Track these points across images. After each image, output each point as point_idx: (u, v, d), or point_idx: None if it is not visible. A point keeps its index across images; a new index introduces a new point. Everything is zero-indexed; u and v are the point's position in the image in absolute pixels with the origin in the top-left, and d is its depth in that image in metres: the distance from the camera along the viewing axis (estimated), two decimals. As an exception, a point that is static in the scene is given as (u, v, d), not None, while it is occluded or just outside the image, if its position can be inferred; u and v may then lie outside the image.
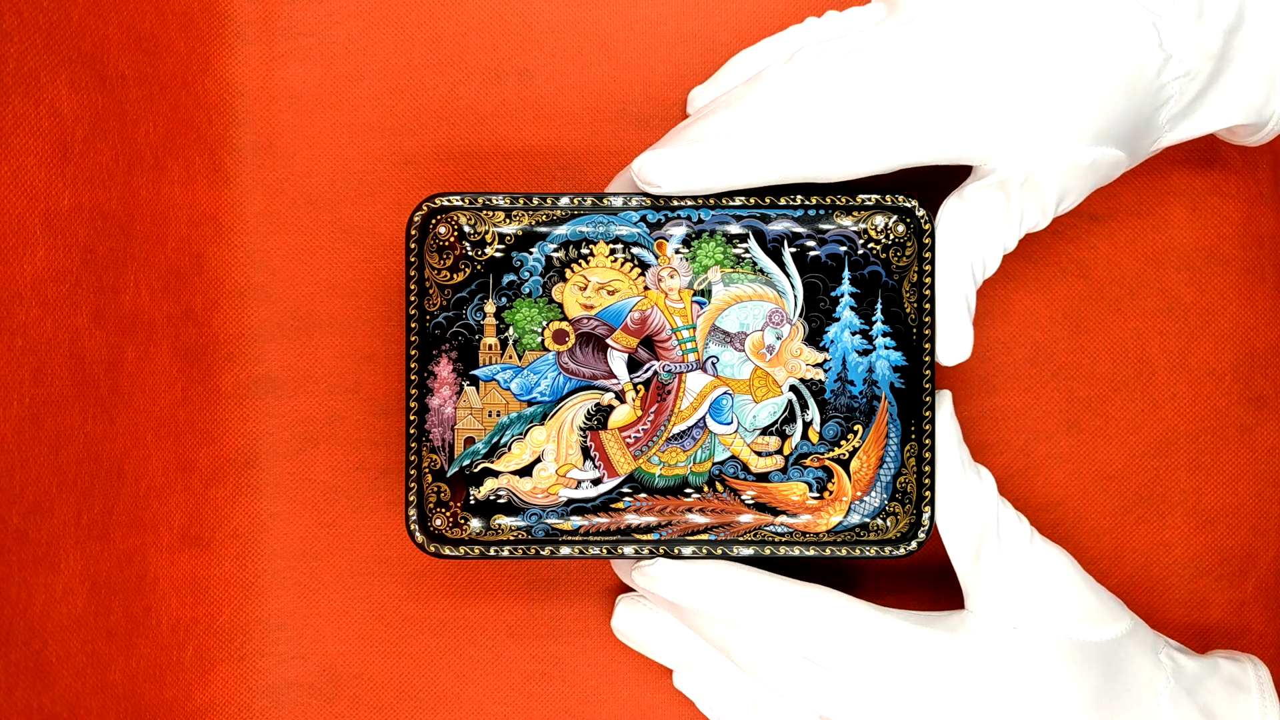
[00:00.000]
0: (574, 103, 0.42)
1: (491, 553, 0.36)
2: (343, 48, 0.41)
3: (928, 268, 0.36)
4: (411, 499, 0.36)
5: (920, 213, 0.35)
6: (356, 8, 0.41)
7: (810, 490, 0.37)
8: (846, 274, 0.37)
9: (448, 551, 0.36)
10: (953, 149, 0.34)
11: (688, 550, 0.36)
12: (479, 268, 0.37)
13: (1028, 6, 0.34)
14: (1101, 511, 0.42)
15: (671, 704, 0.42)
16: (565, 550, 0.36)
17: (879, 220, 0.36)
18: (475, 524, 0.37)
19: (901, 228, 0.36)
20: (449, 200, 0.36)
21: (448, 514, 0.37)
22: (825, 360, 0.37)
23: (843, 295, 0.37)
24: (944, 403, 0.36)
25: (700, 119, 0.36)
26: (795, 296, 0.37)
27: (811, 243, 0.37)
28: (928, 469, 0.36)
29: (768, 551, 0.36)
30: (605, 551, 0.36)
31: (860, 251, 0.36)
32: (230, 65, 0.41)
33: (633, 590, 0.39)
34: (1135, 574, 0.42)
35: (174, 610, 0.40)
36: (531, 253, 0.37)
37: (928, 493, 0.36)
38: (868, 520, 0.37)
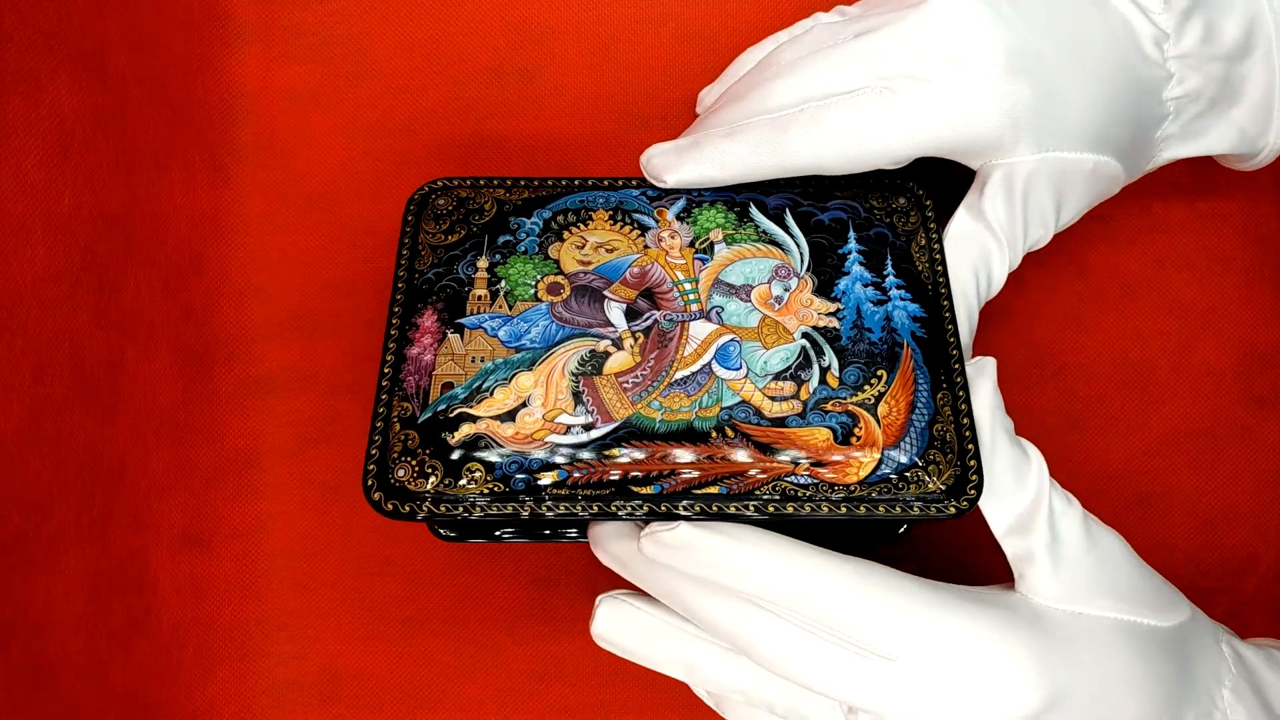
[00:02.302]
0: (574, 102, 0.42)
1: (460, 512, 0.31)
2: (343, 48, 0.41)
3: (935, 236, 0.35)
4: (374, 450, 0.32)
5: (920, 191, 0.35)
6: (356, 8, 0.41)
7: (835, 436, 0.31)
8: (852, 234, 0.35)
9: (408, 510, 0.31)
10: (956, 140, 0.34)
11: (694, 508, 0.31)
12: (474, 229, 0.35)
13: (1032, 8, 0.34)
14: (1102, 511, 0.42)
15: (672, 704, 0.42)
16: (549, 508, 0.31)
17: (878, 197, 0.36)
18: (443, 475, 0.31)
19: (903, 199, 0.36)
20: (452, 182, 0.36)
21: (413, 463, 0.31)
22: (838, 310, 0.34)
23: (850, 252, 0.35)
24: (987, 369, 0.33)
25: (708, 114, 0.36)
26: (801, 253, 0.35)
27: (814, 209, 0.36)
28: (966, 421, 0.32)
29: (790, 509, 0.30)
30: (597, 509, 0.31)
31: (864, 216, 0.36)
32: (230, 65, 0.41)
33: (610, 591, 0.35)
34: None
35: (174, 610, 0.40)
36: (530, 217, 0.36)
37: (970, 445, 0.31)
38: (906, 469, 0.31)
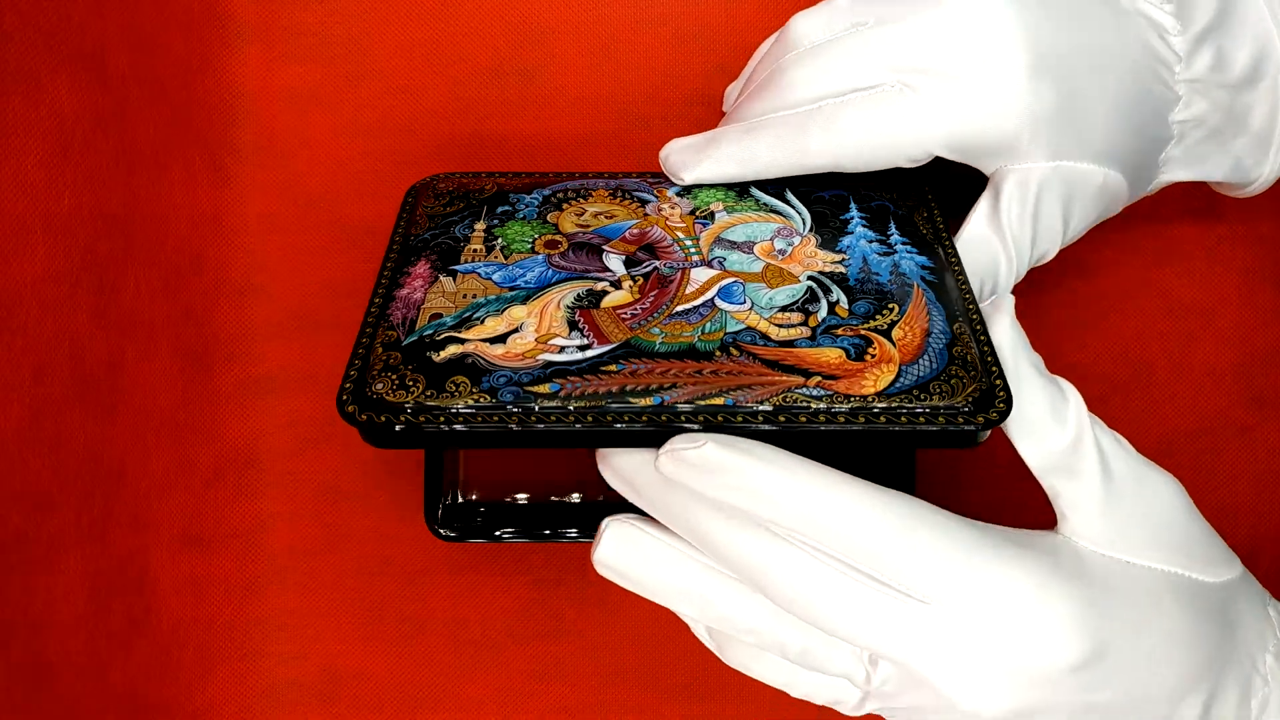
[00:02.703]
0: (574, 102, 0.42)
1: (443, 426, 0.28)
2: (343, 48, 0.41)
3: (938, 213, 0.35)
4: (353, 372, 0.30)
5: (930, 196, 0.35)
6: (356, 8, 0.41)
7: (847, 355, 0.29)
8: (854, 205, 0.35)
9: (384, 421, 0.28)
10: (974, 141, 0.33)
11: (698, 419, 0.28)
12: (474, 202, 0.35)
13: (1057, 13, 0.33)
14: (1101, 511, 0.42)
15: (672, 704, 0.42)
16: (539, 420, 0.28)
17: (877, 188, 0.36)
18: (425, 387, 0.29)
19: (901, 188, 0.36)
20: (453, 175, 0.37)
21: (393, 377, 0.29)
22: (844, 260, 0.32)
23: (853, 217, 0.35)
24: (1004, 305, 0.31)
25: (733, 110, 0.36)
26: (803, 219, 0.34)
27: (813, 188, 0.36)
28: (988, 348, 0.30)
29: (801, 420, 0.28)
30: (592, 420, 0.28)
31: (864, 191, 0.36)
32: (230, 65, 0.41)
33: (618, 513, 0.32)
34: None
35: (174, 610, 0.40)
36: (530, 193, 0.36)
37: (995, 368, 0.29)
38: (926, 382, 0.29)
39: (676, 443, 0.28)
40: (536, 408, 0.28)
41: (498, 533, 0.38)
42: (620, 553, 0.30)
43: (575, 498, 0.41)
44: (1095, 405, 0.42)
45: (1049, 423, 0.30)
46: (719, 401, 0.28)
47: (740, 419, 0.28)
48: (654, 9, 0.42)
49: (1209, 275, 0.42)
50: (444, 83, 0.42)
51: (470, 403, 0.28)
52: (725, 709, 0.42)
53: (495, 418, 0.28)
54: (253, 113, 0.41)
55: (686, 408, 0.28)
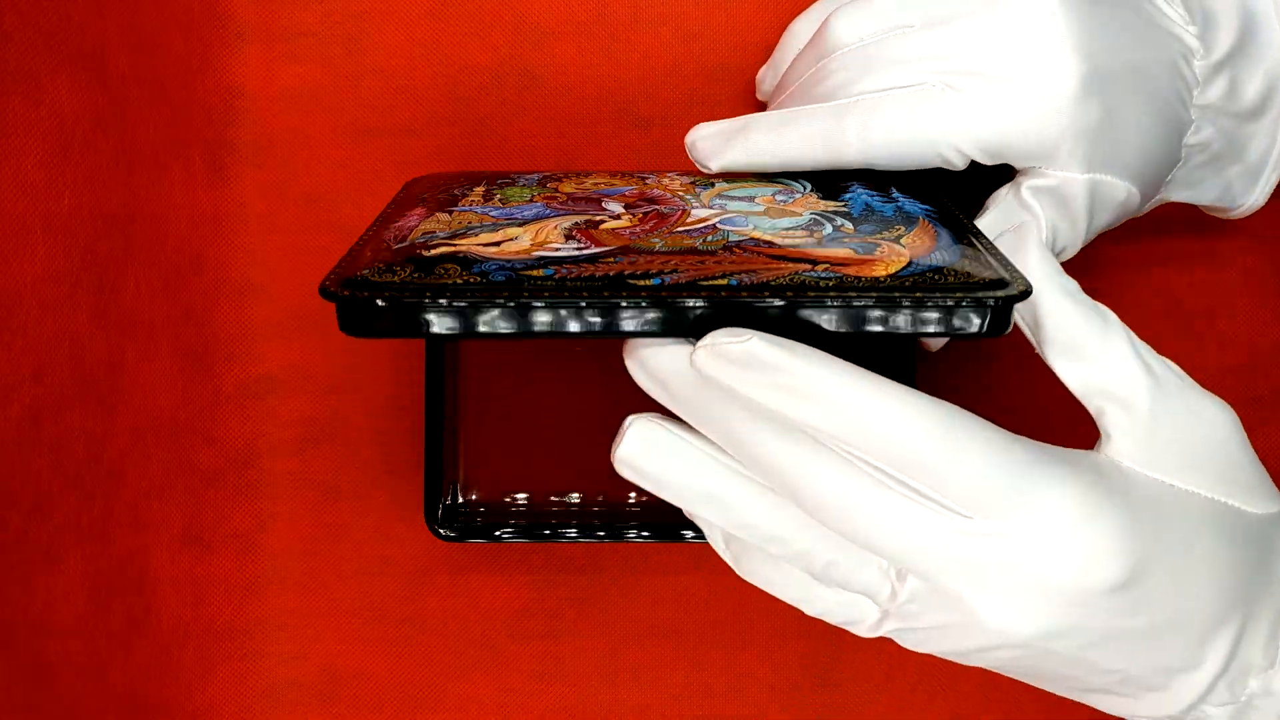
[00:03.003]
0: (574, 102, 0.42)
1: (428, 300, 0.26)
2: (343, 48, 0.41)
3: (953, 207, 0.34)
4: (339, 265, 0.29)
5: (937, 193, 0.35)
6: (356, 8, 0.41)
7: (856, 253, 0.28)
8: (854, 180, 0.34)
9: (366, 296, 0.27)
10: (1012, 147, 0.33)
11: (699, 295, 0.26)
12: (474, 179, 0.36)
13: (1106, 28, 0.33)
14: (1102, 511, 0.42)
15: (672, 704, 0.42)
16: (533, 298, 0.26)
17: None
18: (413, 271, 0.27)
19: (920, 193, 0.36)
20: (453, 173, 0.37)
21: (380, 265, 0.28)
22: (846, 205, 0.32)
23: (852, 185, 0.34)
24: (1029, 233, 0.30)
25: (771, 103, 0.35)
26: (803, 185, 0.34)
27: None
28: (1003, 260, 0.29)
29: (810, 297, 0.26)
30: (587, 301, 0.26)
31: (865, 174, 0.35)
32: (230, 65, 0.41)
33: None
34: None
35: (174, 610, 0.40)
36: (530, 174, 0.36)
37: (1005, 270, 0.28)
38: (940, 268, 0.27)
39: (718, 335, 0.26)
40: (528, 289, 0.26)
41: (497, 533, 0.38)
42: (643, 451, 0.28)
43: (574, 497, 0.41)
44: (1095, 405, 0.42)
45: (1091, 341, 0.29)
46: (724, 281, 0.26)
47: (746, 294, 0.26)
48: (654, 9, 0.42)
49: (1209, 275, 0.42)
50: (444, 83, 0.42)
51: (460, 281, 0.26)
52: (725, 709, 0.42)
53: (485, 294, 0.26)
54: (252, 113, 0.41)
55: (687, 291, 0.26)
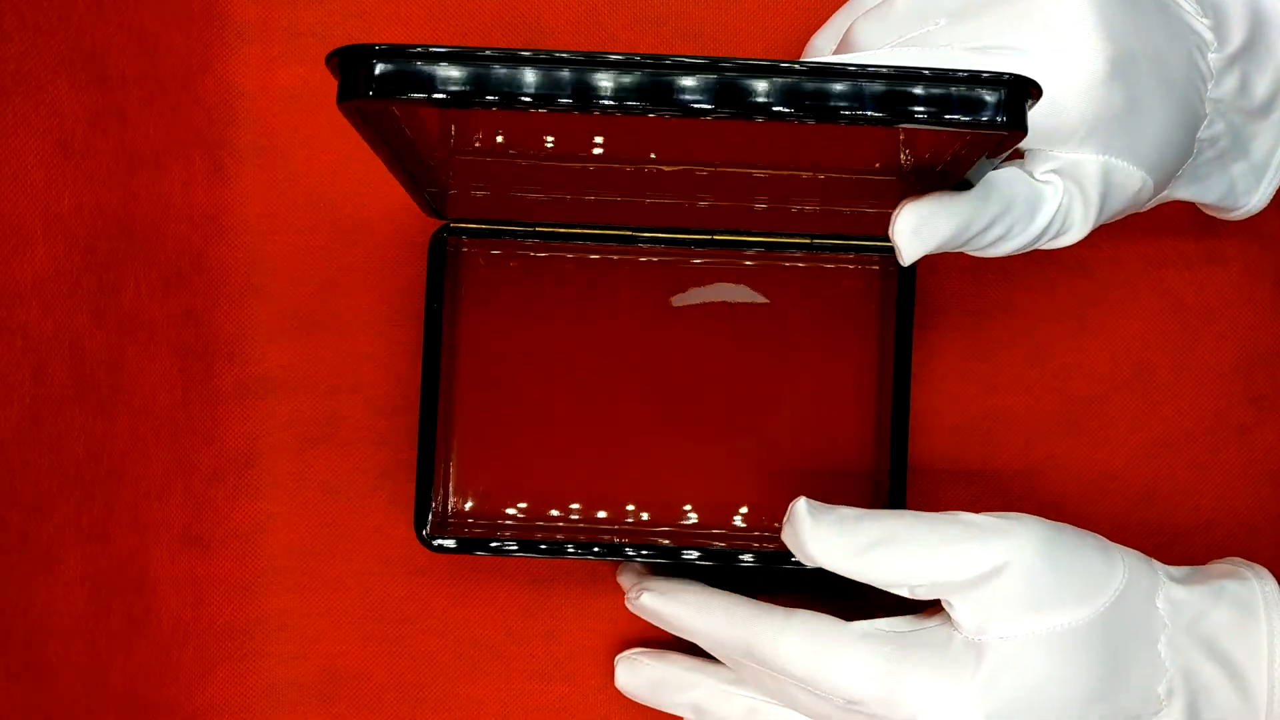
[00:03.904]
0: (574, 103, 0.42)
1: (429, 48, 0.25)
2: (343, 48, 0.41)
3: None
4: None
5: None
6: (356, 8, 0.41)
7: None
8: None
9: (364, 49, 0.26)
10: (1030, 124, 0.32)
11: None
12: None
13: (1131, 15, 0.33)
14: (1102, 512, 0.42)
15: (672, 704, 0.42)
16: (553, 60, 0.25)
17: None
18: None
19: None
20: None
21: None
22: None
23: None
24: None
25: None
26: None
27: None
28: None
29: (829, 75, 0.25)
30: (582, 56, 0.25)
31: None
32: (230, 65, 0.41)
33: (623, 652, 0.40)
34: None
35: (174, 610, 0.40)
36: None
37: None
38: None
39: (630, 592, 0.38)
40: (527, 54, 0.25)
41: (495, 544, 0.39)
42: (631, 680, 0.40)
43: (574, 506, 0.41)
44: (1095, 405, 0.42)
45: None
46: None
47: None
48: (654, 9, 0.42)
49: (1209, 275, 0.42)
50: (444, 83, 0.42)
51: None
52: (725, 709, 0.42)
53: (484, 53, 0.25)
54: (253, 113, 0.41)
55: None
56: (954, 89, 0.25)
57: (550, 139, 0.33)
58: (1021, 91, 0.26)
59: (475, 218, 0.40)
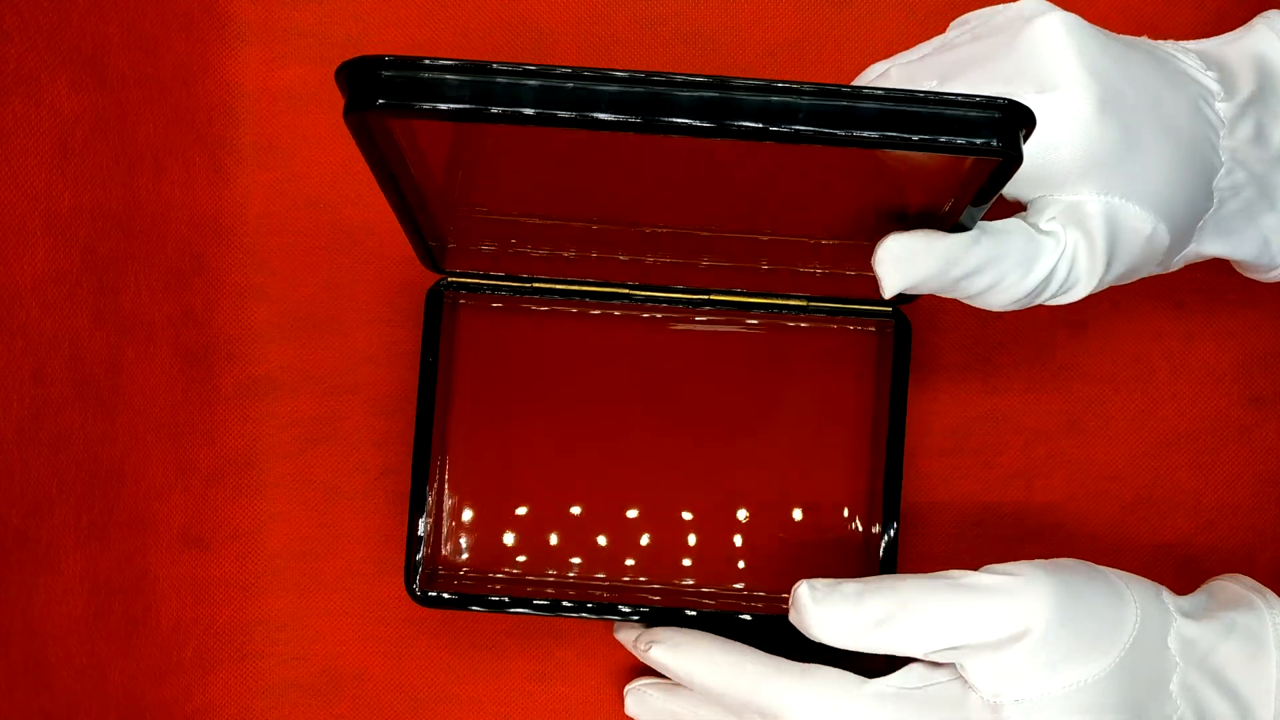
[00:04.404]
0: (574, 103, 0.42)
1: (436, 61, 0.25)
2: (343, 48, 0.41)
3: None
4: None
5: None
6: (356, 8, 0.41)
7: None
8: None
9: (372, 60, 0.27)
10: (1025, 166, 0.31)
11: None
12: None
13: (1125, 53, 0.33)
14: (1102, 512, 0.42)
15: (671, 704, 0.42)
16: (557, 77, 0.25)
17: None
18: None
19: None
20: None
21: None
22: None
23: None
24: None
25: None
26: None
27: None
28: None
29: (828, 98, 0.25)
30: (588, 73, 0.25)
31: None
32: (230, 66, 0.41)
33: (632, 682, 0.40)
34: (1137, 575, 0.42)
35: (174, 611, 0.40)
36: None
37: None
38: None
39: (639, 643, 0.38)
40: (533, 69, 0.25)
41: (487, 599, 0.38)
42: (639, 710, 0.39)
43: (571, 562, 0.40)
44: (1095, 405, 0.42)
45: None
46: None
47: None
48: (654, 9, 0.42)
49: (1209, 275, 0.42)
50: (444, 83, 0.42)
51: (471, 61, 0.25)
52: (725, 709, 0.42)
53: (489, 68, 0.25)
54: (253, 113, 0.41)
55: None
56: (950, 110, 0.25)
57: (553, 182, 0.33)
58: (1017, 116, 0.25)
59: (474, 270, 0.39)
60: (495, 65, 0.25)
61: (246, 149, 0.41)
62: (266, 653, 0.41)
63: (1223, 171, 0.34)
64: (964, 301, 0.33)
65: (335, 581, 0.42)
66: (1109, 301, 0.42)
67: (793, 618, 0.34)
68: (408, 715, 0.42)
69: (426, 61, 0.25)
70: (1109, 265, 0.32)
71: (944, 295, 0.32)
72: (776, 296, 0.40)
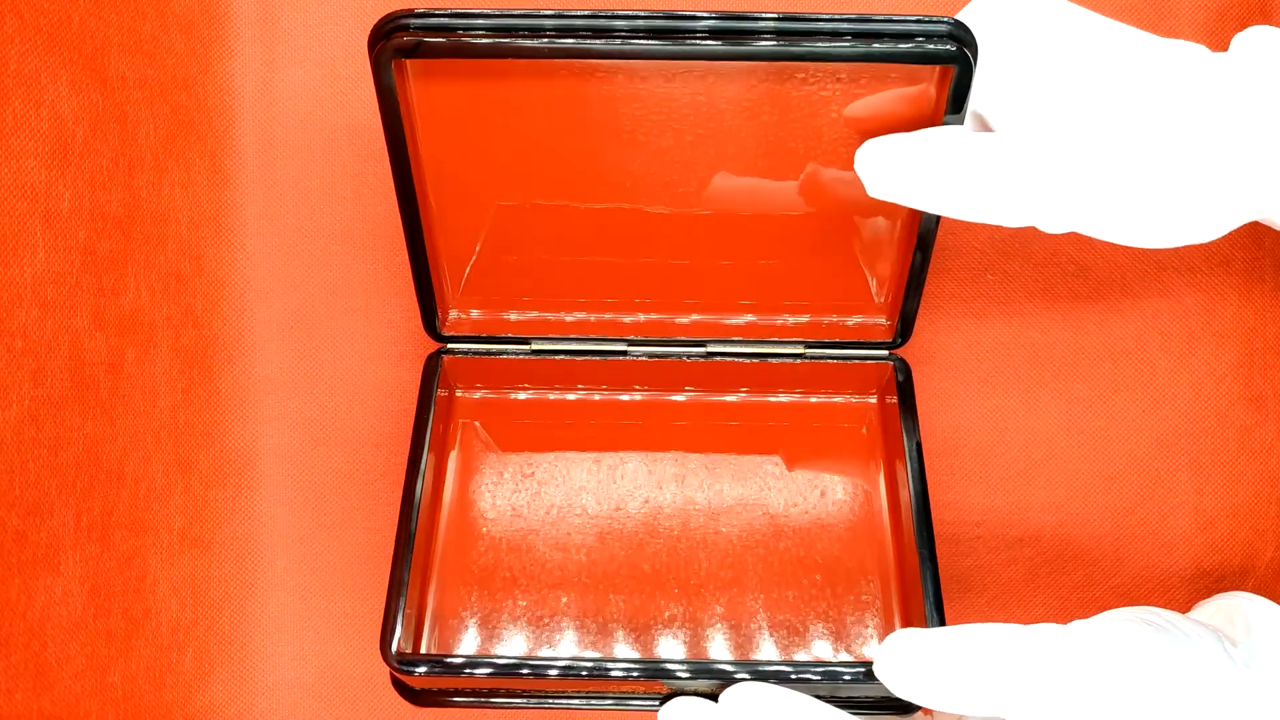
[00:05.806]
0: (574, 103, 0.42)
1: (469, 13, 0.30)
2: (342, 49, 0.41)
3: None
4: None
5: None
6: (357, 9, 0.41)
7: None
8: None
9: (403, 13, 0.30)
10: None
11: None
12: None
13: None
14: (1102, 513, 0.42)
15: (672, 705, 0.41)
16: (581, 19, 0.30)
17: None
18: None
19: None
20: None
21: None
22: None
23: None
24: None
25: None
26: None
27: None
28: None
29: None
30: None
31: None
32: (230, 67, 0.41)
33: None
34: (1137, 575, 0.42)
35: (174, 612, 0.40)
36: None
37: None
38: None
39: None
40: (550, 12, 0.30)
41: (485, 691, 0.35)
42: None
43: (570, 638, 0.37)
44: (1095, 405, 0.42)
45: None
46: None
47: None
48: (653, 9, 0.42)
49: (1209, 275, 0.42)
50: (444, 83, 0.42)
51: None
52: (725, 710, 0.42)
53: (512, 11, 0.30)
54: (252, 114, 0.41)
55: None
56: (903, 25, 0.30)
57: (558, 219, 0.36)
58: (963, 30, 0.30)
59: (471, 334, 0.39)
60: (515, 11, 0.30)
61: (246, 150, 0.41)
62: (266, 654, 0.41)
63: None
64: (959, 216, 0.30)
65: (335, 582, 0.41)
66: (1109, 302, 0.42)
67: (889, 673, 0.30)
68: (408, 715, 0.42)
69: (453, 10, 0.30)
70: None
71: (946, 210, 0.30)
72: (771, 344, 0.39)
